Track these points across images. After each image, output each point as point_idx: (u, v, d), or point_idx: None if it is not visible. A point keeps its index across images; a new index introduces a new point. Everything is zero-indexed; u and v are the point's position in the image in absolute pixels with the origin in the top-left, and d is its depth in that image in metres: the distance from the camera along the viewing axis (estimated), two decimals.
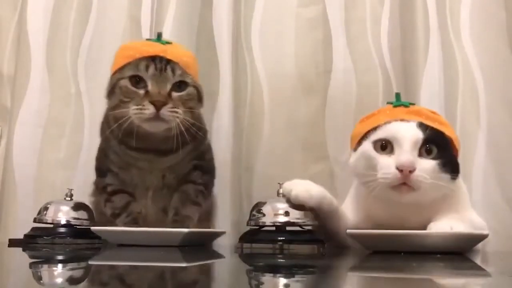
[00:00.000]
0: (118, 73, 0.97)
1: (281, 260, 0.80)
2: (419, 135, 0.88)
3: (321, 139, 1.29)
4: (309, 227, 0.91)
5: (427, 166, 0.87)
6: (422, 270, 0.67)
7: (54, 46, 1.40)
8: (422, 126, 0.89)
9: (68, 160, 1.37)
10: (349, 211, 0.98)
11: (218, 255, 0.92)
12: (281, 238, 0.87)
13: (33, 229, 1.02)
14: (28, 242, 1.00)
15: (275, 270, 0.69)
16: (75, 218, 1.02)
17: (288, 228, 0.89)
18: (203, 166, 1.06)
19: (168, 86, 0.94)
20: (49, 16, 1.40)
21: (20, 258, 0.86)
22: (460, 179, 0.95)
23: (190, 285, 0.55)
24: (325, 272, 0.68)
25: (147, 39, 1.03)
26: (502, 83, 1.22)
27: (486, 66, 1.23)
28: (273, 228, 0.89)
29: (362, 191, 0.95)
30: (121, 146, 1.00)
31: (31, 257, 0.86)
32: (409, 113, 0.93)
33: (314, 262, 0.82)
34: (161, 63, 0.95)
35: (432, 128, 0.90)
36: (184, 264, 0.75)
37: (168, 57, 0.96)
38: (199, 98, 1.00)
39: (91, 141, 1.38)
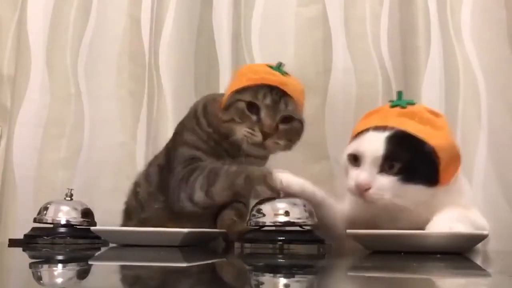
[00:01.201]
0: (238, 93, 1.02)
1: (281, 260, 0.80)
2: (380, 152, 0.89)
3: (321, 139, 1.29)
4: (309, 227, 0.91)
5: (384, 183, 0.88)
6: (422, 270, 0.67)
7: (54, 46, 1.40)
8: (391, 139, 0.89)
9: (68, 160, 1.37)
10: (346, 205, 1.00)
11: (218, 255, 0.92)
12: (281, 238, 0.87)
13: (33, 229, 1.02)
14: (28, 242, 1.00)
15: (275, 270, 0.69)
16: (75, 218, 1.02)
17: (288, 228, 0.89)
18: None
19: (278, 118, 1.00)
20: (49, 16, 1.41)
21: (20, 258, 0.86)
22: (462, 177, 0.95)
23: (190, 285, 0.55)
24: (325, 272, 0.68)
25: (268, 66, 1.06)
26: (503, 83, 1.22)
27: (487, 66, 1.23)
28: (273, 228, 0.89)
29: None
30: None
31: (31, 257, 0.86)
32: (401, 116, 0.93)
33: (314, 262, 0.82)
34: (277, 94, 1.00)
35: (402, 140, 0.89)
36: (184, 264, 0.75)
37: (287, 90, 1.01)
38: (301, 132, 1.05)
39: (91, 141, 1.39)
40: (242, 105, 1.00)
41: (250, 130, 0.99)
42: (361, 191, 0.89)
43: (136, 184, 1.11)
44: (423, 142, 0.89)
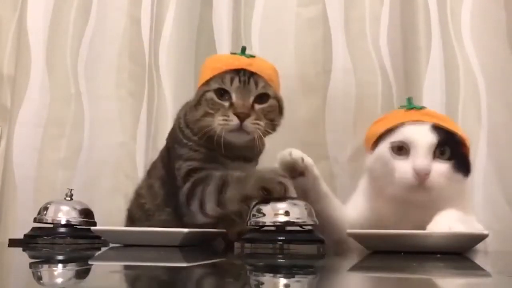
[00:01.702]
0: (205, 85, 1.00)
1: (281, 260, 0.80)
2: (434, 138, 0.91)
3: (321, 139, 1.29)
4: (309, 227, 0.91)
5: (442, 169, 0.90)
6: (422, 270, 0.67)
7: (54, 46, 1.40)
8: (435, 128, 0.93)
9: (68, 160, 1.37)
10: (354, 208, 1.01)
11: (218, 255, 0.92)
12: (281, 238, 0.87)
13: (33, 229, 1.02)
14: (28, 242, 1.00)
15: (275, 270, 0.69)
16: (75, 218, 1.02)
17: (288, 228, 0.89)
18: None
19: (251, 98, 0.97)
20: (49, 16, 1.41)
21: (20, 258, 0.86)
22: (469, 192, 1.01)
23: (190, 285, 0.55)
24: (325, 272, 0.68)
25: (232, 53, 1.05)
26: (503, 83, 1.23)
27: (487, 66, 1.24)
28: (273, 228, 0.89)
29: (373, 190, 0.99)
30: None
31: (31, 257, 0.86)
32: (422, 115, 0.97)
33: (314, 262, 0.82)
34: (245, 76, 0.98)
35: (445, 131, 0.93)
36: (184, 264, 0.75)
37: (253, 70, 0.99)
38: (280, 110, 1.03)
39: (91, 141, 1.39)
40: (210, 94, 0.98)
41: (224, 117, 0.96)
42: (423, 176, 0.89)
43: (139, 195, 1.10)
44: (455, 134, 0.94)
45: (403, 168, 0.91)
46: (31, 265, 0.74)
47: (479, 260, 0.84)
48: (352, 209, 1.01)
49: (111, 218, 1.21)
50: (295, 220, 0.88)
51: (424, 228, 0.86)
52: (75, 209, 1.03)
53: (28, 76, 1.37)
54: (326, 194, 1.01)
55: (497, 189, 1.19)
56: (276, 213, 0.89)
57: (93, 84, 1.41)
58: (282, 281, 0.57)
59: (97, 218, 1.06)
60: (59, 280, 0.58)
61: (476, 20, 1.25)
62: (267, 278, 0.59)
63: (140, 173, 1.27)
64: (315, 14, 1.34)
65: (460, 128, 0.99)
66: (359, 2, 1.33)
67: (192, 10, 1.39)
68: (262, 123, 0.97)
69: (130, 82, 1.42)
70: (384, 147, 0.95)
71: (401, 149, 0.92)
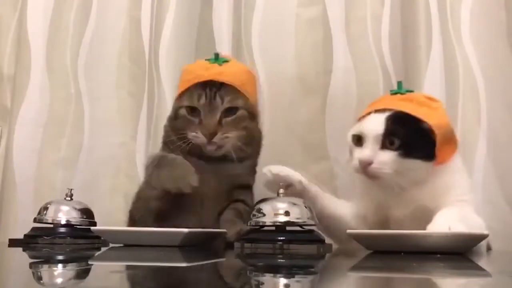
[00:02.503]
0: (178, 100, 1.05)
1: (281, 260, 0.80)
2: (380, 129, 0.95)
3: (321, 139, 1.29)
4: (309, 227, 0.91)
5: (385, 158, 0.94)
6: (422, 270, 0.67)
7: (54, 46, 1.40)
8: (391, 118, 0.96)
9: (68, 160, 1.37)
10: (358, 199, 1.04)
11: (218, 255, 0.92)
12: (281, 238, 0.87)
13: (33, 229, 1.02)
14: (28, 242, 1.00)
15: (275, 270, 0.69)
16: (75, 218, 1.02)
17: (288, 228, 0.89)
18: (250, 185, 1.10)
19: (218, 115, 1.00)
20: (49, 16, 1.41)
21: (20, 258, 0.86)
22: (460, 160, 1.01)
23: (190, 285, 0.55)
24: (325, 272, 0.68)
25: (206, 59, 1.06)
26: (503, 83, 1.23)
27: (487, 66, 1.24)
28: (273, 228, 0.89)
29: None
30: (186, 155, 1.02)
31: (31, 257, 0.86)
32: (401, 100, 0.99)
33: (314, 262, 0.82)
34: (211, 90, 1.00)
35: (401, 119, 0.95)
36: (184, 264, 0.75)
37: (222, 79, 1.00)
38: (251, 117, 1.04)
39: (91, 141, 1.39)
40: (183, 111, 1.02)
41: (194, 134, 1.00)
42: (363, 166, 0.94)
43: (139, 198, 1.10)
44: (420, 121, 0.95)
45: (355, 157, 0.97)
46: (31, 265, 0.74)
47: (479, 260, 0.84)
48: (356, 202, 1.04)
49: (111, 218, 1.22)
50: (295, 220, 0.89)
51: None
52: (75, 209, 1.03)
53: (28, 76, 1.37)
54: (317, 195, 1.04)
55: (496, 189, 1.19)
56: (276, 213, 0.89)
57: (93, 84, 1.41)
58: (282, 281, 0.57)
59: (97, 218, 1.06)
60: (59, 280, 0.58)
61: (476, 20, 1.25)
62: (267, 278, 0.59)
63: (140, 173, 1.27)
64: (316, 15, 1.34)
65: (438, 114, 0.99)
66: (359, 3, 1.33)
67: (192, 10, 1.39)
68: (231, 134, 1.00)
69: (130, 82, 1.42)
70: (348, 136, 1.01)
71: (359, 141, 0.98)
